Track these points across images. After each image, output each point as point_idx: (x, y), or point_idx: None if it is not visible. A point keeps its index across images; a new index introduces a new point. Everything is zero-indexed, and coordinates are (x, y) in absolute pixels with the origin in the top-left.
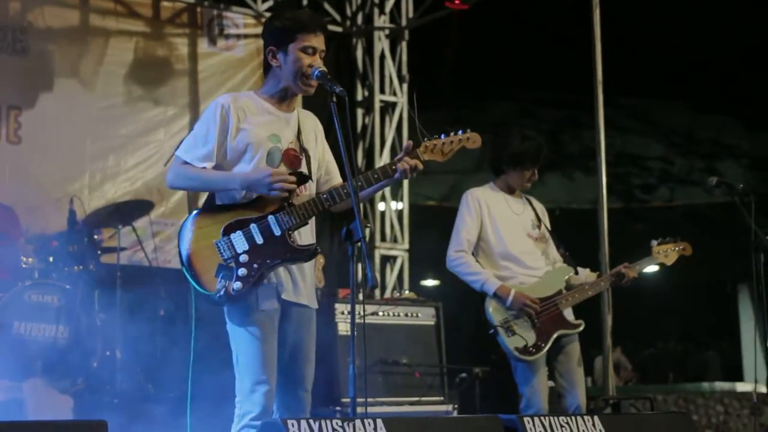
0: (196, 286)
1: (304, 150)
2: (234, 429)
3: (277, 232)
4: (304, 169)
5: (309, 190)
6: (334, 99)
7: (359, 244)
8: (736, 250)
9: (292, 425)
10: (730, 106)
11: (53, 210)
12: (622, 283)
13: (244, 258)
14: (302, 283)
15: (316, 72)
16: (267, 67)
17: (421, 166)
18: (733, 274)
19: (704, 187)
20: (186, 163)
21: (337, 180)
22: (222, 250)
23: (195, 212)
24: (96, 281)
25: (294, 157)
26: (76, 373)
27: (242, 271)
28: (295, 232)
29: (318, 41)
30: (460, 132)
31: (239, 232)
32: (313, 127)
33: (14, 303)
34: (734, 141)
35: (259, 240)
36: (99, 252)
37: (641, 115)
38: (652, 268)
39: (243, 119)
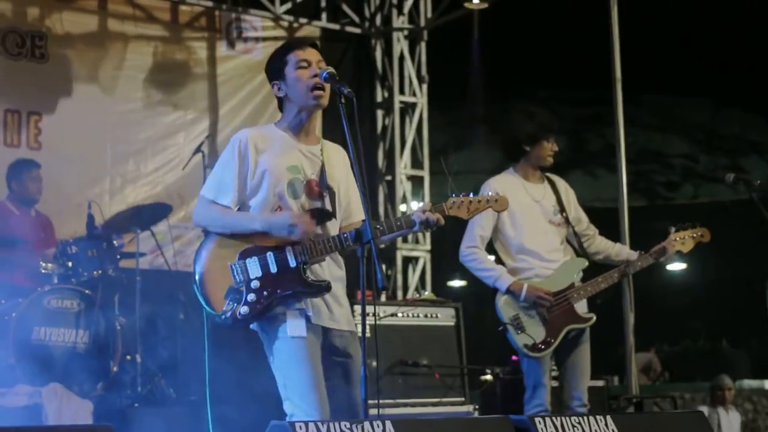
0: (205, 305)
1: (328, 187)
2: None
3: (292, 263)
4: (327, 206)
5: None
6: (343, 100)
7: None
8: (763, 246)
9: (300, 428)
10: (753, 102)
11: (74, 215)
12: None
13: (255, 284)
14: (338, 308)
15: (324, 74)
16: (279, 103)
17: (442, 222)
18: (761, 271)
19: (728, 184)
20: (208, 201)
21: (357, 217)
22: (235, 274)
23: (213, 234)
24: (115, 286)
25: (317, 189)
26: (96, 377)
27: (251, 297)
28: (317, 265)
29: (309, 54)
30: (489, 193)
31: (255, 258)
32: (341, 160)
33: (34, 308)
34: (758, 137)
35: (274, 269)
36: (118, 257)
37: (664, 112)
38: (679, 266)
39: (261, 152)
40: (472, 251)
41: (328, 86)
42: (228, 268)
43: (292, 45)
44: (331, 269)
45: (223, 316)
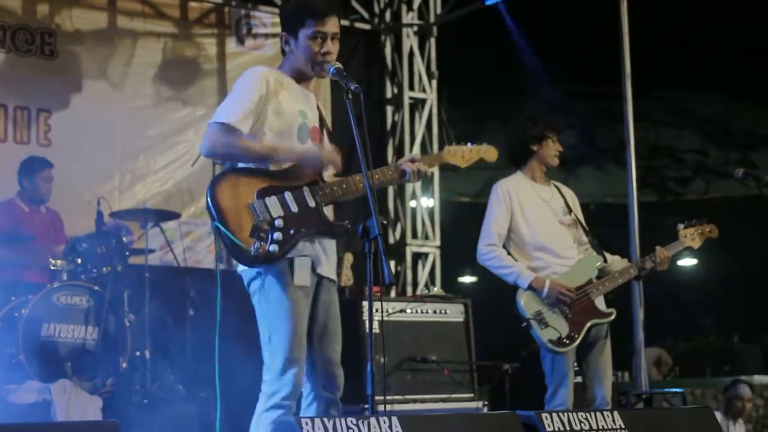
0: (233, 238)
1: (327, 131)
2: (261, 407)
3: (311, 203)
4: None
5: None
6: (350, 96)
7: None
8: None
9: (306, 423)
10: (765, 96)
11: (83, 212)
12: (653, 268)
13: (279, 223)
14: (331, 257)
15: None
16: (283, 51)
17: (430, 171)
18: None
19: (737, 179)
20: (225, 127)
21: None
22: (257, 212)
23: (224, 171)
24: (125, 282)
25: (319, 136)
26: (106, 374)
27: (278, 236)
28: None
29: (329, 26)
30: (483, 145)
31: (274, 198)
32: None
33: (43, 305)
34: None
35: (294, 209)
36: (127, 253)
37: (675, 107)
38: (690, 262)
39: (280, 91)
40: (491, 249)
41: (334, 57)
42: (247, 206)
43: (314, 11)
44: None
45: (253, 254)
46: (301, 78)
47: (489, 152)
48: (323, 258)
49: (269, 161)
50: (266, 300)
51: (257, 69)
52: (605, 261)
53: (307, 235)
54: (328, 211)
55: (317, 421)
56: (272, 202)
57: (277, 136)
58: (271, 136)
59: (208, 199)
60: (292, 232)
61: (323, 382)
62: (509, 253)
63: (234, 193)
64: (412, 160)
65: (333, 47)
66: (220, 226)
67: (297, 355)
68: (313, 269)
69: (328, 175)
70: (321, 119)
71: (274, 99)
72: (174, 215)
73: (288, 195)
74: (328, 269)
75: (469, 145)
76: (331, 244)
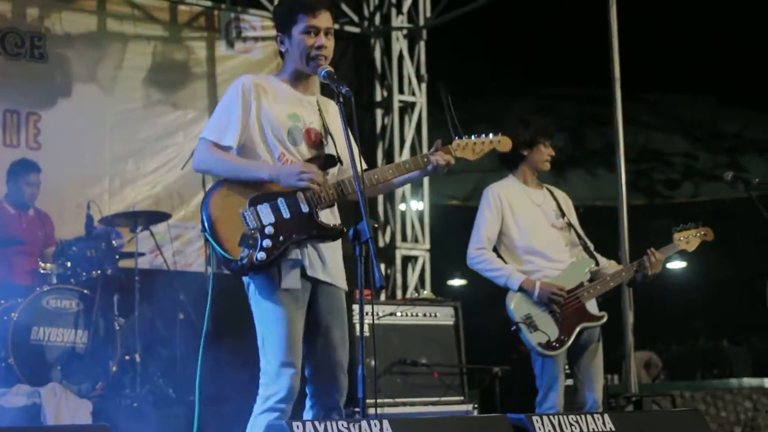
0: (221, 251)
1: (329, 133)
2: (258, 410)
3: (304, 209)
4: (331, 151)
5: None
6: (341, 99)
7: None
8: (763, 245)
9: (297, 427)
10: (754, 100)
11: (73, 215)
12: (644, 273)
13: (269, 230)
14: (332, 262)
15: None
16: (281, 53)
17: (453, 162)
18: (761, 269)
19: (727, 183)
20: (214, 144)
21: (349, 171)
22: (248, 220)
23: (219, 182)
24: (114, 286)
25: (316, 137)
26: (95, 377)
27: (267, 243)
28: (323, 212)
29: (320, 20)
30: (491, 135)
31: (266, 204)
32: (333, 112)
33: (33, 308)
34: (759, 135)
35: (286, 214)
36: (117, 257)
37: (664, 110)
38: (679, 265)
39: (263, 98)
40: (481, 252)
41: (329, 51)
42: (239, 215)
43: (305, 6)
44: (331, 219)
45: (240, 263)
46: (299, 79)
47: (503, 142)
48: (317, 262)
49: (250, 179)
50: (257, 304)
51: (240, 80)
52: (597, 264)
53: (298, 241)
54: (328, 214)
55: (308, 424)
56: (264, 208)
57: (266, 145)
58: (261, 145)
59: (202, 210)
60: (281, 238)
61: (326, 387)
62: (500, 257)
63: (227, 202)
64: (434, 151)
65: (327, 42)
66: (209, 237)
67: (291, 358)
68: (304, 273)
69: (328, 177)
70: (323, 120)
71: (257, 108)
72: (164, 215)
73: (281, 201)
74: (323, 273)
75: (473, 137)
76: (330, 249)
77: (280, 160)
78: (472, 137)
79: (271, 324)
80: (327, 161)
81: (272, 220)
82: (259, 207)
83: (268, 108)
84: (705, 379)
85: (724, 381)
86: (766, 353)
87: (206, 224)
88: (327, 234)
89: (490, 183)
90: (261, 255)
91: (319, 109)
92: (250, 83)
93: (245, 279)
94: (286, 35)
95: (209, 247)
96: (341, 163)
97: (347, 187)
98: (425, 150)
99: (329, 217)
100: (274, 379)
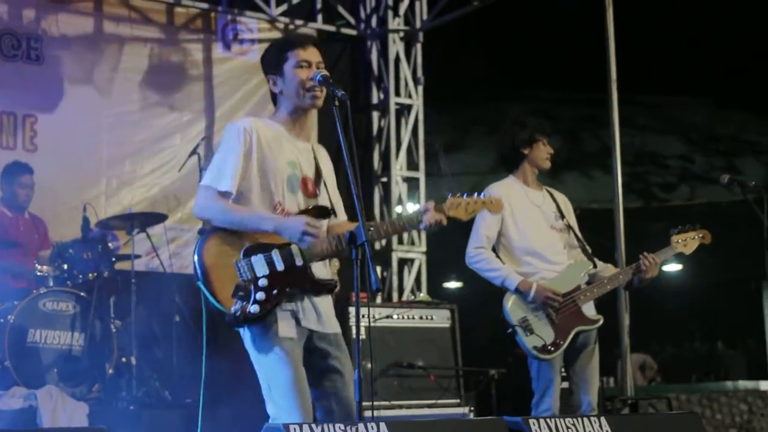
0: (213, 302)
1: (323, 182)
2: None
3: (298, 262)
4: (325, 201)
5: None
6: (336, 103)
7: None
8: (759, 247)
9: (294, 430)
10: (750, 103)
11: (69, 217)
12: (641, 276)
13: (263, 282)
14: (326, 312)
15: (318, 76)
16: (273, 97)
17: (445, 222)
18: (756, 272)
19: (723, 185)
20: (212, 192)
21: (341, 217)
22: (242, 271)
23: (212, 228)
24: (111, 288)
25: (312, 186)
26: (92, 380)
27: (260, 295)
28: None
29: (310, 54)
30: (483, 195)
31: (260, 256)
32: (326, 159)
33: (29, 311)
34: (755, 137)
35: (280, 267)
36: (114, 259)
37: (660, 113)
38: (674, 267)
39: (265, 143)
40: (480, 252)
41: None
42: (233, 265)
43: (294, 43)
44: (323, 271)
45: (233, 315)
46: (295, 121)
47: (495, 204)
48: (311, 314)
49: (253, 230)
50: (258, 352)
51: (241, 123)
52: (595, 267)
53: (292, 294)
54: (321, 266)
55: (305, 427)
56: (258, 260)
57: (264, 192)
58: (259, 192)
59: (195, 257)
60: (275, 292)
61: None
62: (498, 257)
63: (221, 251)
64: (426, 210)
65: (321, 71)
66: (202, 286)
67: (301, 401)
68: (298, 323)
69: (324, 226)
70: (317, 169)
71: (258, 153)
72: (161, 218)
73: (275, 253)
74: (317, 324)
75: (465, 196)
76: (323, 300)
77: (275, 209)
78: (465, 196)
79: (276, 372)
80: (321, 212)
81: (266, 272)
82: (253, 258)
83: (269, 154)
84: (700, 381)
85: (719, 384)
86: (760, 356)
87: (199, 273)
88: (321, 288)
89: (487, 185)
90: (254, 308)
91: (315, 157)
92: (251, 127)
93: (240, 329)
94: (279, 75)
95: (202, 295)
96: (335, 215)
97: (342, 243)
98: (421, 153)
99: (321, 269)
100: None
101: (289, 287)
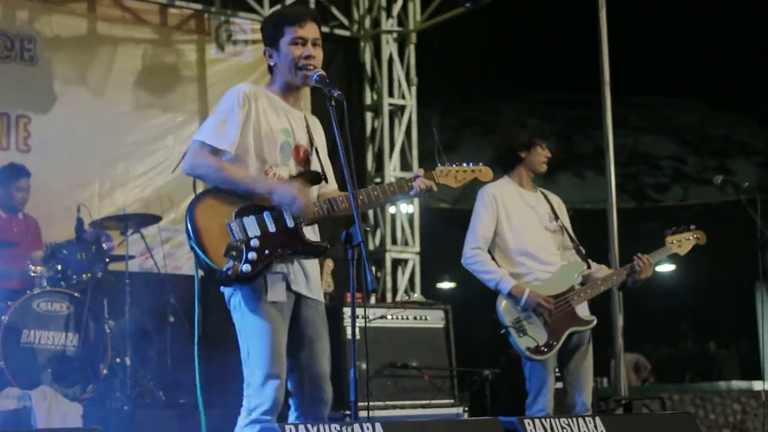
0: (206, 260)
1: (316, 150)
2: (242, 422)
3: (290, 223)
4: (317, 168)
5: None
6: (333, 103)
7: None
8: (751, 248)
9: (290, 430)
10: (742, 104)
11: (63, 218)
12: (635, 277)
13: (255, 243)
14: (314, 278)
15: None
16: (269, 68)
17: (435, 188)
18: (749, 272)
19: (716, 186)
20: (209, 148)
21: (331, 186)
22: (234, 232)
23: (204, 190)
24: (105, 288)
25: (304, 154)
26: (86, 380)
27: (252, 255)
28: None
29: (307, 31)
30: (473, 164)
31: (252, 217)
32: (319, 128)
33: (23, 311)
34: (747, 138)
35: (272, 228)
36: (108, 259)
37: (653, 114)
38: (668, 268)
39: (261, 108)
40: (476, 252)
41: (318, 62)
42: (225, 225)
43: (291, 18)
44: (312, 236)
45: (225, 273)
46: (289, 92)
47: (484, 172)
48: (300, 277)
49: (244, 192)
50: (242, 316)
51: (242, 87)
52: (589, 267)
53: (283, 256)
54: (310, 230)
55: (301, 427)
56: (250, 221)
57: (258, 156)
58: (253, 156)
59: (187, 219)
60: (267, 252)
61: (311, 399)
62: (493, 258)
63: (213, 212)
64: (416, 177)
65: (315, 52)
66: (195, 246)
67: (276, 369)
68: (288, 287)
69: (315, 192)
70: (310, 137)
71: (255, 118)
72: (154, 218)
73: (267, 214)
74: (306, 288)
75: (455, 165)
76: (311, 264)
77: (266, 174)
78: (454, 165)
79: (257, 336)
80: (313, 178)
81: (258, 233)
82: (245, 219)
83: (264, 120)
84: (693, 381)
85: (713, 384)
86: (753, 356)
87: (191, 233)
88: (312, 250)
89: (480, 186)
90: (246, 267)
91: (307, 125)
92: (251, 91)
93: (226, 291)
94: (274, 48)
95: (194, 256)
96: (326, 181)
97: (337, 206)
98: (415, 153)
99: (311, 233)
100: (259, 391)
101: (280, 248)
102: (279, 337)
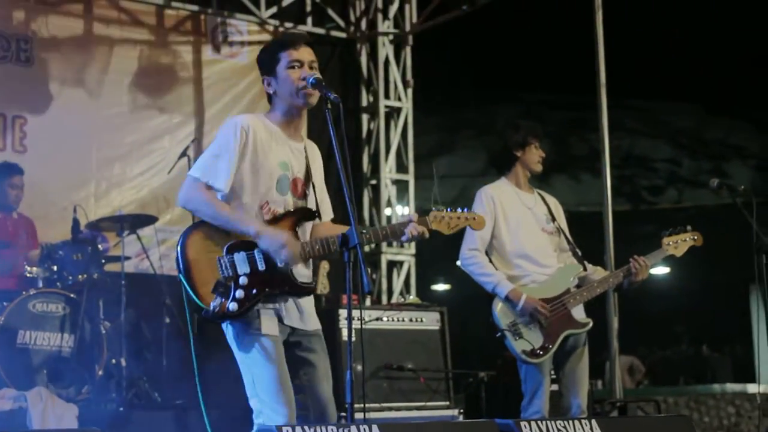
0: (193, 296)
1: (313, 185)
2: None
3: (280, 263)
4: (312, 205)
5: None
6: (329, 106)
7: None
8: (746, 251)
9: (286, 431)
10: (738, 108)
11: (59, 219)
12: (631, 279)
13: (243, 280)
14: (308, 311)
15: (310, 80)
16: (269, 98)
17: (427, 235)
18: (744, 275)
19: (712, 189)
20: (201, 184)
21: (326, 217)
22: (223, 268)
23: (198, 222)
24: (101, 289)
25: (301, 189)
26: (81, 381)
27: (240, 293)
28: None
29: (302, 54)
30: (467, 210)
31: (243, 253)
32: (318, 160)
33: (19, 312)
34: (742, 142)
35: (261, 266)
36: (103, 260)
37: (649, 117)
38: (662, 270)
39: (260, 142)
40: (474, 254)
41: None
42: (214, 260)
43: (285, 43)
44: (304, 272)
45: (212, 312)
46: (289, 121)
47: (478, 220)
48: (294, 312)
49: (233, 231)
50: (241, 348)
51: (239, 120)
52: (585, 270)
53: (272, 295)
54: (302, 267)
55: (297, 429)
56: (240, 257)
57: (254, 190)
58: (249, 190)
59: (177, 250)
60: (254, 291)
61: (315, 421)
62: (490, 261)
63: (204, 246)
64: (409, 222)
65: (313, 74)
66: (183, 280)
67: (285, 399)
68: (281, 321)
69: (308, 227)
70: (308, 170)
71: (253, 151)
72: (151, 219)
73: (258, 252)
74: (300, 322)
75: (449, 210)
76: (304, 298)
77: (262, 209)
78: (448, 210)
79: (260, 368)
80: (307, 215)
81: (247, 270)
82: (235, 255)
83: (262, 153)
84: (688, 384)
85: (707, 386)
86: (747, 359)
87: (180, 265)
88: (300, 291)
89: (476, 188)
90: (233, 305)
91: (306, 157)
92: (248, 124)
93: (222, 324)
94: (272, 76)
95: (183, 289)
96: (319, 218)
97: (328, 248)
98: (411, 156)
99: (302, 269)
100: (272, 419)
101: (268, 288)
102: (282, 366)
